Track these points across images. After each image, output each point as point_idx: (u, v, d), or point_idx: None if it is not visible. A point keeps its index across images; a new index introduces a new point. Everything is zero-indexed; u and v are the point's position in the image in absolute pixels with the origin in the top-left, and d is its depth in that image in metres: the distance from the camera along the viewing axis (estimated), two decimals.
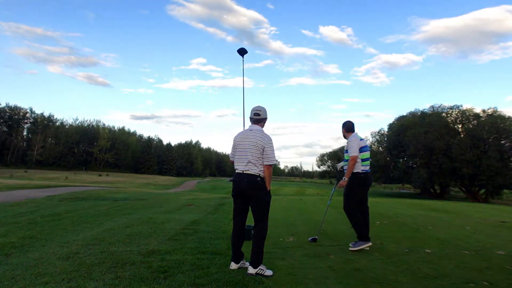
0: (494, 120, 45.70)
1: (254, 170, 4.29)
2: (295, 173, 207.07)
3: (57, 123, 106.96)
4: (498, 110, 47.61)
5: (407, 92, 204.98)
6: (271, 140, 4.39)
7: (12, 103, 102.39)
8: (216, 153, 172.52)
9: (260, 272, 4.14)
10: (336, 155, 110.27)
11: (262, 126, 4.58)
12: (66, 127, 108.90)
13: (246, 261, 4.43)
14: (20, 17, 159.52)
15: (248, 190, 4.29)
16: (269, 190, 4.40)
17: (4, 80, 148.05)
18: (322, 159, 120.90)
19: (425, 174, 46.09)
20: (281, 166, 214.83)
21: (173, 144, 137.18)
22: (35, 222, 8.28)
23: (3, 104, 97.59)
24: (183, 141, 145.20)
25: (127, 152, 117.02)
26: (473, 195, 48.28)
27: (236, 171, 4.42)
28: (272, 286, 3.70)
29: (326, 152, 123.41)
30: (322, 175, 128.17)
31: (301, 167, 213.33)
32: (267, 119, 4.63)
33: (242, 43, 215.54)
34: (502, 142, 44.90)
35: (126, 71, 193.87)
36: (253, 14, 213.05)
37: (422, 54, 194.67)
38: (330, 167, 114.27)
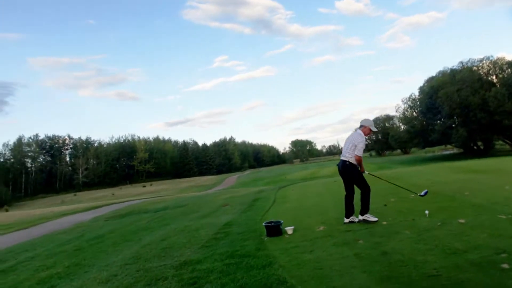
0: None
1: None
2: (334, 151, 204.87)
3: (95, 144, 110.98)
4: None
5: (435, 51, 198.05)
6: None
7: (50, 133, 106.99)
8: (252, 145, 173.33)
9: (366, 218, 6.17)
10: None
11: (362, 130, 6.53)
12: (105, 146, 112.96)
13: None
14: (46, 49, 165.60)
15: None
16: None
17: (41, 112, 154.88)
18: None
19: (464, 132, 44.56)
20: (318, 147, 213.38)
21: (208, 144, 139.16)
22: (80, 248, 8.67)
23: (43, 136, 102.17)
24: (217, 140, 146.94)
25: (165, 160, 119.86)
26: None
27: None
28: (296, 285, 3.72)
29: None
30: None
31: (338, 144, 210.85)
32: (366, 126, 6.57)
33: (260, 33, 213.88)
34: None
35: (153, 82, 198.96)
36: (267, 1, 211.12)
37: (445, 10, 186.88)
38: (367, 140, 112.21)
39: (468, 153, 50.82)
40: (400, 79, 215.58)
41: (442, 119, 51.11)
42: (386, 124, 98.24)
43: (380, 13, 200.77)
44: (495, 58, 48.97)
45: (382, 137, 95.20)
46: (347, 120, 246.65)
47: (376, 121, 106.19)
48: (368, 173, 6.70)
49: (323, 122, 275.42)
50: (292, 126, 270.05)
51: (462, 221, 5.45)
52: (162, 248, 6.60)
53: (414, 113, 60.57)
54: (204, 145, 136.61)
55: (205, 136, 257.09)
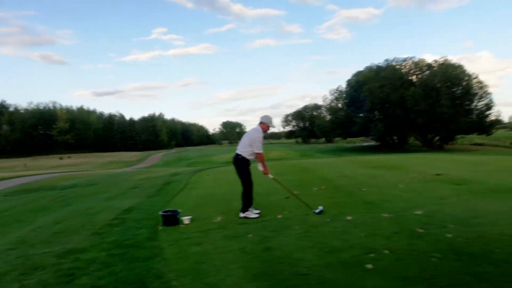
0: (445, 69, 47.04)
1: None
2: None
3: (11, 108, 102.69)
4: (449, 58, 49.00)
5: (369, 46, 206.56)
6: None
7: None
8: (181, 123, 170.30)
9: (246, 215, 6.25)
10: (300, 115, 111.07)
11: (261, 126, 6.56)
12: (21, 111, 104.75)
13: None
14: None
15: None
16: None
17: None
18: (286, 119, 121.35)
19: (382, 127, 47.37)
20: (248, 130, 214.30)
21: (136, 119, 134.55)
22: None
23: None
24: (146, 115, 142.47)
25: (88, 132, 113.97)
26: (428, 143, 50.08)
27: None
28: (172, 280, 3.71)
29: (290, 112, 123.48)
30: (288, 135, 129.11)
31: None
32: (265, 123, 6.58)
33: (202, 9, 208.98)
34: (453, 89, 46.34)
35: (83, 47, 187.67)
36: None
37: (382, 7, 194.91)
38: (295, 127, 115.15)
39: (385, 146, 54.06)
40: (334, 70, 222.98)
41: (364, 113, 53.74)
42: (314, 113, 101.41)
43: (322, 3, 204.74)
44: (417, 59, 52.35)
45: (309, 125, 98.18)
46: (279, 106, 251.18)
47: (305, 109, 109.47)
48: (273, 178, 6.81)
49: (256, 105, 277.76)
50: (224, 107, 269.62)
51: (349, 218, 5.75)
52: (53, 232, 6.27)
53: (339, 104, 63.07)
54: (132, 120, 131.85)
55: (134, 110, 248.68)
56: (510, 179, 9.07)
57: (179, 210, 6.32)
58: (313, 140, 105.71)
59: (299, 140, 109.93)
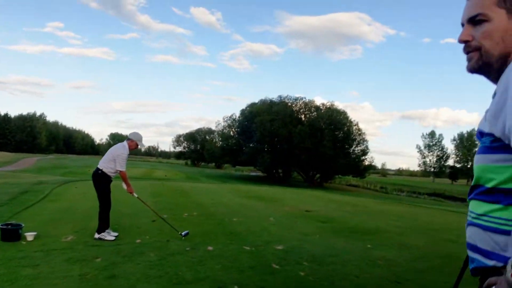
0: (331, 112, 50.76)
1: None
2: (152, 152, 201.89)
3: None
4: (335, 104, 53.16)
5: (267, 80, 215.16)
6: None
7: None
8: (64, 127, 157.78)
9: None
10: (193, 137, 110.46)
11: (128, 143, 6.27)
12: None
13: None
14: None
15: None
16: None
17: None
18: (178, 139, 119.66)
19: (269, 159, 49.03)
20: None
21: (12, 116, 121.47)
22: None
23: None
24: (25, 113, 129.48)
25: None
26: (310, 180, 53.02)
27: None
28: None
29: (183, 132, 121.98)
30: (178, 155, 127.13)
31: (158, 146, 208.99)
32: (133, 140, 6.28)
33: (107, 12, 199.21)
34: (336, 133, 50.12)
35: None
36: None
37: (284, 47, 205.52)
38: (186, 148, 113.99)
39: (270, 178, 55.87)
40: (232, 98, 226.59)
41: (254, 143, 55.24)
42: (207, 137, 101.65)
43: (229, 31, 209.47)
44: (308, 100, 55.81)
45: (201, 149, 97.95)
46: (173, 124, 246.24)
47: (199, 132, 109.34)
48: (137, 197, 6.42)
49: (150, 121, 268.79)
50: (116, 118, 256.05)
51: (210, 248, 5.58)
52: None
53: (231, 132, 64.09)
54: (6, 116, 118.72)
55: (12, 106, 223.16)
56: (370, 222, 9.73)
57: (22, 225, 5.57)
58: (202, 163, 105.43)
59: (189, 162, 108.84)
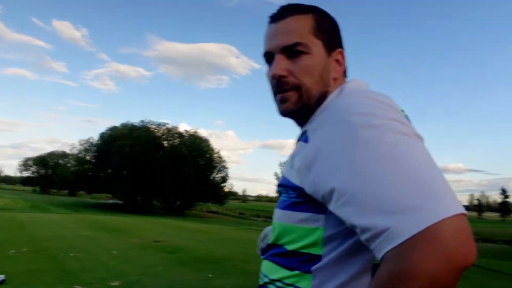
0: (193, 139, 51.25)
1: None
2: None
3: None
4: (200, 131, 53.91)
5: (131, 103, 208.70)
6: None
7: None
8: None
9: None
10: (43, 161, 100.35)
11: None
12: None
13: None
14: None
15: None
16: None
17: None
18: (26, 163, 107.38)
19: (127, 185, 47.07)
20: None
21: None
22: None
23: None
24: None
25: None
26: (170, 207, 52.17)
27: None
28: None
29: (33, 155, 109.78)
30: (24, 181, 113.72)
31: (1, 170, 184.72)
32: None
33: None
34: (198, 160, 50.59)
35: None
36: None
37: (152, 71, 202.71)
38: (35, 173, 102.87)
39: (128, 206, 53.40)
40: (92, 120, 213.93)
41: (112, 169, 52.50)
42: (60, 161, 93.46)
43: (94, 49, 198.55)
44: (171, 126, 55.44)
45: (52, 174, 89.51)
46: (22, 146, 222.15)
47: (51, 155, 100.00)
48: None
49: None
50: None
51: None
52: None
53: (88, 156, 59.99)
54: None
55: None
56: (219, 250, 9.85)
57: None
58: (54, 190, 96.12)
59: (37, 188, 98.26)
